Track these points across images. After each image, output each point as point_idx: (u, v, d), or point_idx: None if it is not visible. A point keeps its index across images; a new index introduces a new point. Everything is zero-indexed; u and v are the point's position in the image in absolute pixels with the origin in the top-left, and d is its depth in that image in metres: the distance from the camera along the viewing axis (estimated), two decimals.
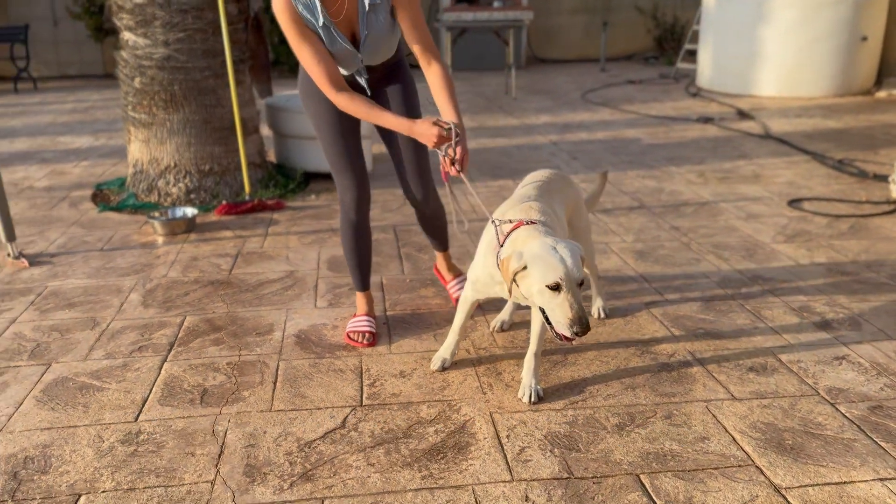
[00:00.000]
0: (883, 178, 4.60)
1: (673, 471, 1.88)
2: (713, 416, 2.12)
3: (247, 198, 4.13)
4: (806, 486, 1.81)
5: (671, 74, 9.86)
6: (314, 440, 2.03)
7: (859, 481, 1.83)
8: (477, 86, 9.20)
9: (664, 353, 2.47)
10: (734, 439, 2.01)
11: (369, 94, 2.45)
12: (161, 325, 2.72)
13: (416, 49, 2.32)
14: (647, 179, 4.72)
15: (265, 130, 5.57)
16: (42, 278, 3.17)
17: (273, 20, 10.26)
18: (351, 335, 2.56)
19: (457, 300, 2.81)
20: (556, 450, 1.97)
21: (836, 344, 2.52)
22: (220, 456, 1.96)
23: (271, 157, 5.04)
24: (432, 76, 2.30)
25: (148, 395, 2.25)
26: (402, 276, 3.17)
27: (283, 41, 9.28)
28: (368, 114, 2.26)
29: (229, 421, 2.12)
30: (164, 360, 2.46)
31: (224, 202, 4.02)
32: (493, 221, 2.16)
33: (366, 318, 2.63)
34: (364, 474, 1.89)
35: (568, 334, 1.87)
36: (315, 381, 2.33)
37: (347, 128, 2.45)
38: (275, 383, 2.32)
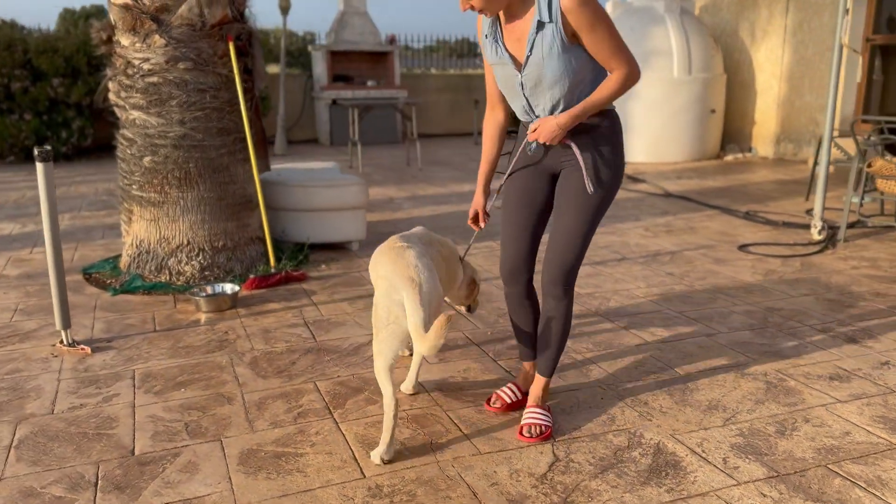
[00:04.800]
0: (791, 225, 5.51)
1: (847, 459, 2.28)
2: (837, 415, 2.57)
3: (272, 271, 4.13)
4: None
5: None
6: (545, 473, 2.21)
7: None
8: (373, 159, 9.53)
9: (760, 373, 2.91)
10: (869, 431, 2.46)
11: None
12: (300, 393, 2.73)
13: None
14: (608, 235, 5.29)
15: None
16: (119, 363, 3.01)
17: (264, 98, 9.93)
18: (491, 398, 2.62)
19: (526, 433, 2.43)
20: (749, 456, 2.31)
21: (873, 353, 3.10)
22: (475, 496, 2.08)
23: None
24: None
25: (353, 454, 2.30)
26: (480, 330, 3.38)
27: None
28: (483, 149, 2.47)
29: (452, 466, 2.23)
30: (336, 423, 2.50)
31: (252, 276, 3.99)
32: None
33: (511, 385, 2.66)
34: (615, 495, 2.10)
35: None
36: (495, 425, 2.49)
37: (526, 202, 2.43)
38: (460, 430, 2.45)
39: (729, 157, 9.58)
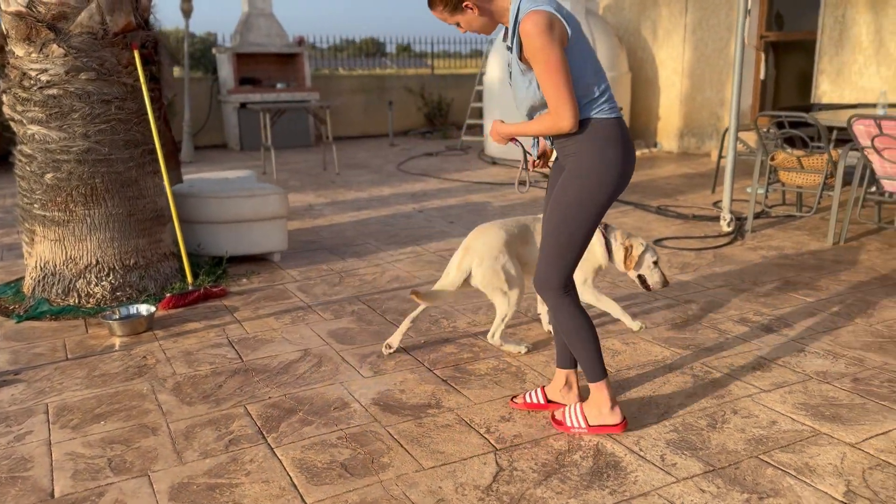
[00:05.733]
0: (701, 218, 5.72)
1: (776, 448, 2.37)
2: (762, 405, 2.67)
3: (189, 288, 3.96)
4: (866, 438, 2.42)
5: (458, 146, 10.86)
6: (490, 484, 2.19)
7: (893, 430, 2.47)
8: (287, 164, 9.33)
9: (687, 367, 3.00)
10: (793, 419, 2.57)
11: (534, 151, 2.55)
12: (229, 418, 2.61)
13: None
14: None
15: None
16: (30, 397, 2.81)
17: (169, 104, 9.50)
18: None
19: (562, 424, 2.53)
20: (685, 452, 2.36)
21: (789, 341, 3.25)
22: None
23: None
24: None
25: (291, 480, 2.22)
26: (413, 339, 3.34)
27: None
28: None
29: (396, 484, 2.19)
30: (271, 448, 2.41)
31: (168, 295, 3.82)
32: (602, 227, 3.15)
33: (540, 388, 2.67)
34: (561, 501, 2.11)
35: (658, 289, 3.23)
36: (437, 438, 2.46)
37: (549, 196, 2.43)
38: (402, 446, 2.41)
39: (636, 153, 9.88)
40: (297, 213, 6.25)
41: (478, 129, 11.38)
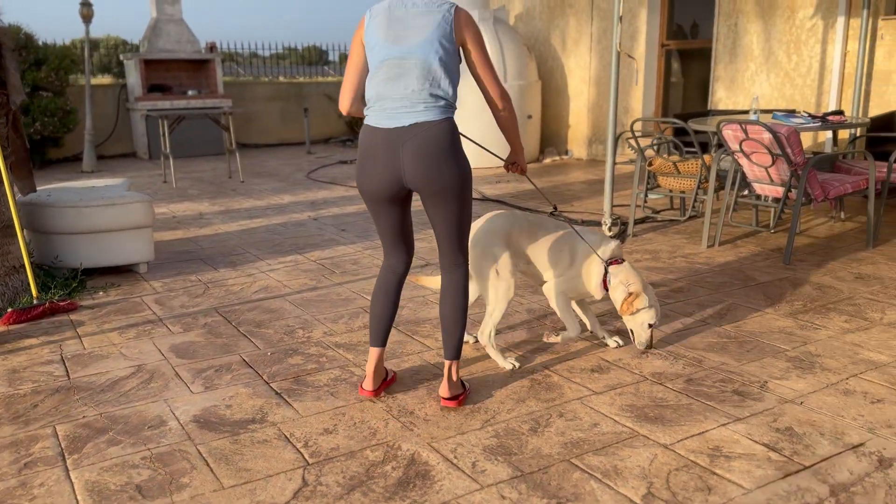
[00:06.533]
0: (590, 223, 5.78)
1: (591, 451, 2.36)
2: (590, 407, 2.66)
3: (35, 302, 3.77)
4: (681, 440, 2.43)
5: None
6: (288, 501, 2.11)
7: (710, 429, 2.49)
8: (192, 172, 9.10)
9: (528, 370, 2.98)
10: (616, 421, 2.56)
11: None
12: (33, 439, 2.47)
13: None
14: (418, 241, 5.30)
15: None
16: None
17: (70, 112, 9.17)
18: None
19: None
20: (499, 457, 2.33)
21: (635, 343, 3.27)
22: None
23: None
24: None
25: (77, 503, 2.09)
26: (259, 352, 3.24)
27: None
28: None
29: None
30: (67, 470, 2.28)
31: (10, 310, 3.62)
32: (604, 263, 3.04)
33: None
34: None
35: (641, 349, 3.09)
36: (248, 455, 2.37)
37: None
38: (208, 465, 2.31)
39: (547, 160, 9.97)
40: (184, 223, 6.07)
41: None
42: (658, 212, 6.01)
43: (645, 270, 4.41)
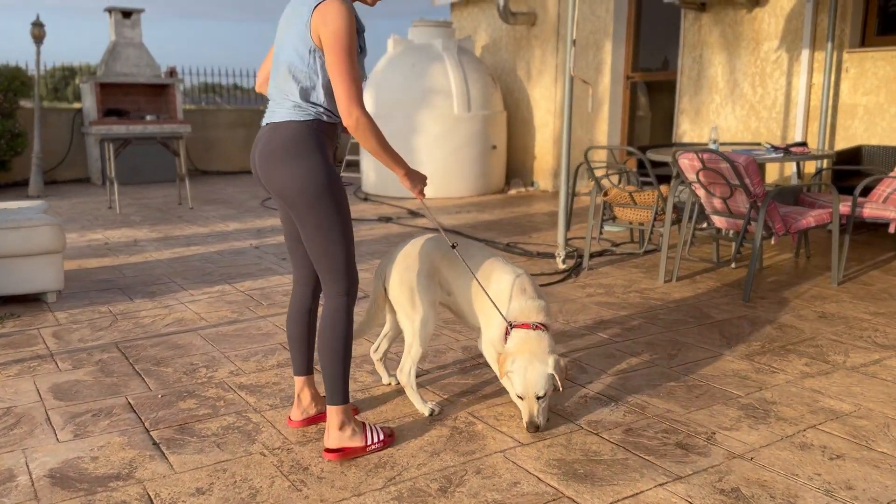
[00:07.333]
0: (546, 255, 5.49)
1: None
2: (513, 462, 2.32)
3: None
4: (613, 502, 2.09)
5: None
6: None
7: (645, 490, 2.16)
8: (142, 199, 8.73)
9: (451, 417, 2.64)
10: (539, 479, 2.22)
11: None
12: None
13: None
14: (363, 272, 4.96)
15: None
16: None
17: (19, 135, 8.68)
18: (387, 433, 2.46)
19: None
20: None
21: (575, 386, 2.94)
22: None
23: None
24: None
25: None
26: (150, 394, 2.87)
27: None
28: (384, 143, 2.26)
29: None
30: None
31: None
32: (508, 324, 2.57)
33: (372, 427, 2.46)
34: None
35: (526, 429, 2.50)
36: None
37: None
38: None
39: (513, 192, 9.73)
40: (115, 249, 5.68)
41: (356, 166, 11.06)
42: (617, 245, 5.74)
43: (596, 306, 4.10)
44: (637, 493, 2.14)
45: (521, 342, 2.50)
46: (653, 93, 9.64)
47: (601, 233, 5.34)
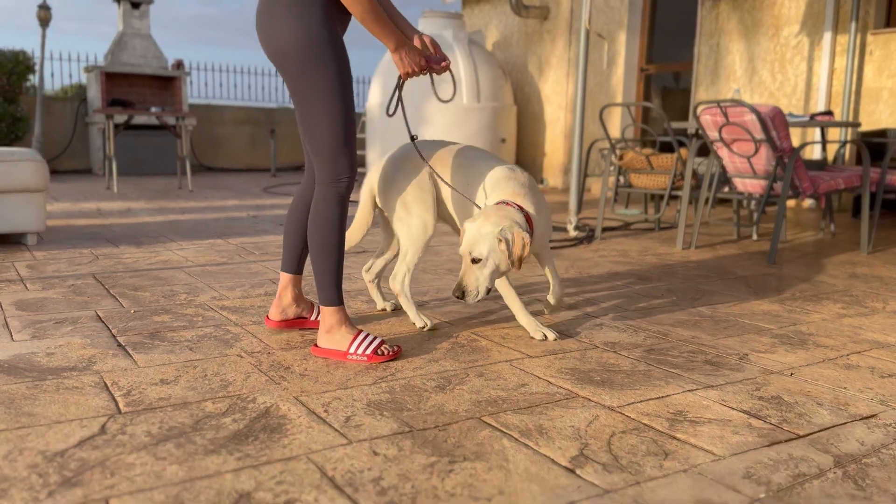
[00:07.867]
0: (557, 229, 5.23)
1: (510, 409, 1.74)
2: (520, 369, 2.05)
3: None
4: (633, 402, 1.82)
5: None
6: (66, 449, 1.47)
7: (673, 394, 1.89)
8: (145, 185, 8.53)
9: (451, 337, 2.37)
10: (550, 382, 1.95)
11: None
12: None
13: None
14: None
15: None
16: None
17: (19, 119, 8.53)
18: (378, 351, 2.09)
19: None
20: (385, 412, 1.71)
21: (587, 316, 2.67)
22: None
23: None
24: None
25: None
26: (122, 310, 2.62)
27: None
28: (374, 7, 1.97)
29: None
30: None
31: None
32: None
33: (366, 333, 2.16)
34: (156, 468, 1.41)
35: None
36: (43, 400, 1.73)
37: None
38: None
39: None
40: (107, 214, 5.46)
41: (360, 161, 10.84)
42: (630, 224, 5.48)
43: (610, 264, 3.83)
44: (663, 396, 1.86)
45: (488, 210, 2.23)
46: (667, 88, 9.42)
47: (615, 199, 5.08)
